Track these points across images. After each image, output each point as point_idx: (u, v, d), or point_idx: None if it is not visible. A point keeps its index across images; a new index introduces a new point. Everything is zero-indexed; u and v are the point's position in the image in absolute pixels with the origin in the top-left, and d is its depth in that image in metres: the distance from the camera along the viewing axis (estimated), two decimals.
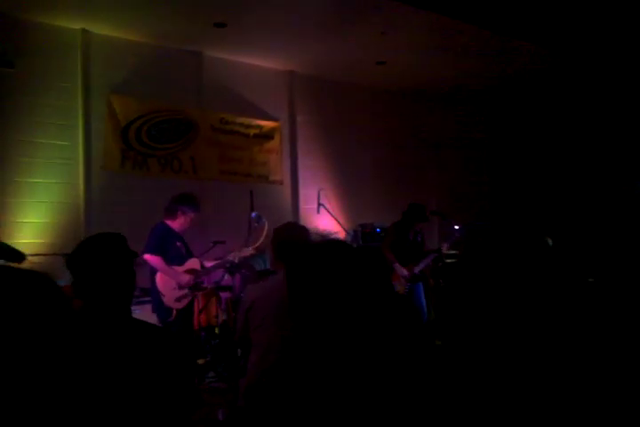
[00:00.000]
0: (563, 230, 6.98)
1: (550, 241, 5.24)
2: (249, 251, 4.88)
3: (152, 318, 4.85)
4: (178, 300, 4.66)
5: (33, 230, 5.89)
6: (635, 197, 7.84)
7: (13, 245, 4.95)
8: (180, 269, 4.77)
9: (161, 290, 4.63)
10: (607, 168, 8.54)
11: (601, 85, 8.33)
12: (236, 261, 4.95)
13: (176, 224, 4.78)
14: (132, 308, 5.37)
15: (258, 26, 6.42)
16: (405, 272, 6.06)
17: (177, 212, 4.77)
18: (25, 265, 5.16)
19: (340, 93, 8.56)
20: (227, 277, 5.37)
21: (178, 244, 4.77)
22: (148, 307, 4.98)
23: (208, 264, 5.05)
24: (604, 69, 7.94)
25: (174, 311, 4.62)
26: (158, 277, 4.64)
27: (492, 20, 6.48)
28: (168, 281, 4.65)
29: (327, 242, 1.77)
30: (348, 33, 6.69)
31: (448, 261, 7.68)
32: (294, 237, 2.91)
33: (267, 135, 7.94)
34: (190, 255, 4.89)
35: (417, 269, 6.11)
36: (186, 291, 4.69)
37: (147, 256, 4.57)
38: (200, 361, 5.10)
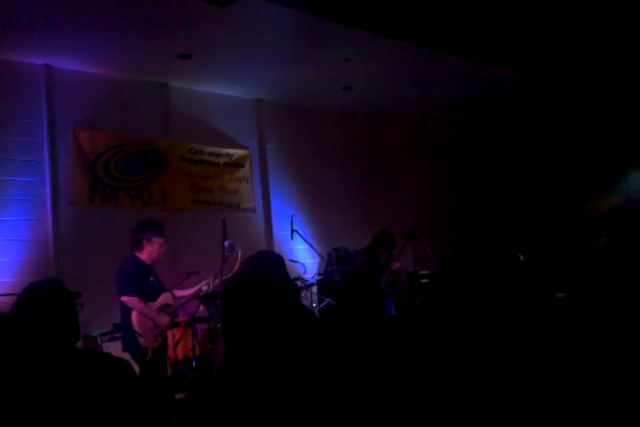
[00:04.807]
0: (534, 246, 7.07)
1: (522, 257, 5.30)
2: (215, 283, 4.83)
3: (125, 356, 4.75)
4: (155, 339, 4.53)
5: (1, 269, 5.76)
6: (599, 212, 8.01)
7: None
8: (154, 305, 4.63)
9: (138, 330, 4.43)
10: (574, 185, 8.72)
11: (568, 105, 8.55)
12: (209, 290, 4.89)
13: (145, 255, 4.62)
14: (106, 344, 5.25)
15: (223, 56, 6.48)
16: None
17: (142, 242, 4.60)
18: None
19: (309, 119, 8.64)
20: (202, 308, 5.30)
21: (151, 279, 4.63)
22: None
23: (179, 293, 4.96)
24: (571, 90, 8.16)
25: (150, 351, 4.48)
26: (134, 316, 4.45)
27: (454, 45, 6.63)
28: (144, 321, 4.47)
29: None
30: (312, 60, 6.78)
31: (423, 281, 7.73)
32: (257, 267, 2.90)
33: (237, 163, 7.95)
34: (163, 289, 4.78)
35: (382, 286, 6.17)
36: (162, 328, 4.58)
37: (125, 298, 4.42)
38: (178, 396, 4.98)
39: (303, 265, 6.92)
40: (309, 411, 1.51)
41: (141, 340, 4.44)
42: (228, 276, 4.93)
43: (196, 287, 4.88)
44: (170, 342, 5.00)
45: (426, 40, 6.41)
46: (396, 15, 5.89)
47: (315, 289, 7.03)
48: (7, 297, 5.02)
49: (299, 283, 6.58)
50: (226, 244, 5.15)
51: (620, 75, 7.73)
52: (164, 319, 4.59)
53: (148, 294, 4.59)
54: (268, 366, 1.60)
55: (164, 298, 4.70)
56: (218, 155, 7.74)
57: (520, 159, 9.23)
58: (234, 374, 1.64)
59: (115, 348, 5.33)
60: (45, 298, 2.07)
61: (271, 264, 3.06)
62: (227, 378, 1.66)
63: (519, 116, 9.10)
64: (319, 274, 7.38)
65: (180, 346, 5.35)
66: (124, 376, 1.97)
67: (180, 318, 5.38)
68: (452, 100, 8.55)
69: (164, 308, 4.68)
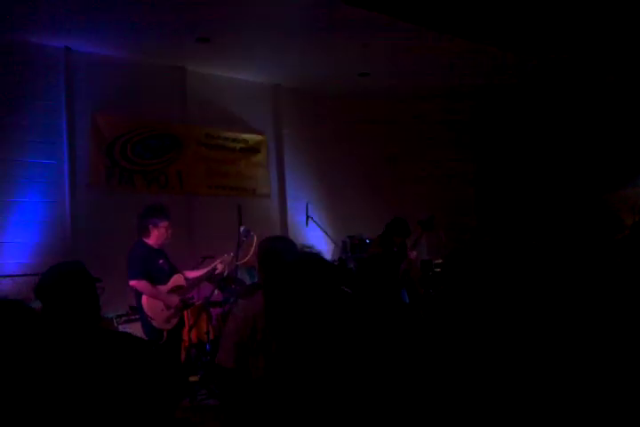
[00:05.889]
0: (548, 236, 7.02)
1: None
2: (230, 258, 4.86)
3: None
4: (167, 321, 4.57)
5: (19, 251, 5.83)
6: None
7: None
8: (165, 288, 4.67)
9: (149, 313, 4.50)
10: (592, 178, 8.61)
11: (583, 96, 8.43)
12: (225, 273, 4.91)
13: (153, 240, 4.63)
14: (122, 326, 5.32)
15: (241, 41, 6.45)
16: None
17: (148, 227, 4.61)
18: (12, 287, 5.11)
19: (326, 105, 8.59)
20: (217, 292, 5.33)
21: (160, 262, 4.65)
22: (138, 325, 4.93)
23: (191, 275, 4.98)
24: (586, 80, 8.04)
25: (165, 333, 4.52)
26: (144, 300, 4.51)
27: (473, 31, 6.55)
28: (155, 303, 4.52)
29: (303, 257, 1.77)
30: (330, 45, 6.72)
31: (437, 270, 7.71)
32: (277, 249, 2.87)
33: (253, 149, 7.94)
34: (174, 271, 4.80)
35: None
36: (174, 310, 4.61)
37: (132, 282, 4.47)
38: (192, 378, 5.04)
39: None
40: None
41: (154, 323, 4.51)
42: (242, 261, 4.96)
43: (211, 266, 4.91)
44: (185, 325, 5.06)
45: (444, 25, 6.34)
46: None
47: None
48: (25, 277, 5.09)
49: None
50: (241, 229, 5.17)
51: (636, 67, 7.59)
52: (174, 300, 4.62)
53: (158, 277, 4.63)
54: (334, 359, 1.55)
55: (175, 280, 4.73)
56: (234, 140, 7.74)
57: (537, 151, 9.13)
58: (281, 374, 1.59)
59: (131, 330, 5.40)
60: (67, 281, 2.07)
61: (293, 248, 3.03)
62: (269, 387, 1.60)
63: (536, 108, 8.98)
64: (333, 261, 7.39)
65: (194, 330, 5.41)
66: (144, 355, 2.00)
67: (195, 302, 5.41)
68: (470, 88, 8.45)
69: (175, 289, 4.72)
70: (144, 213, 4.67)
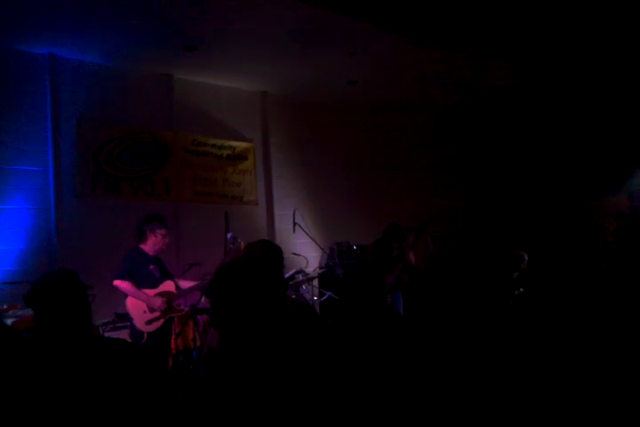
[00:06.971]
0: (538, 245, 7.07)
1: (526, 256, 5.31)
2: None
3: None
4: (148, 323, 4.63)
5: (4, 258, 5.79)
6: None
7: None
8: (152, 292, 4.73)
9: (131, 313, 4.63)
10: (577, 185, 8.70)
11: (569, 105, 8.53)
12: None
13: (149, 246, 4.80)
14: (108, 334, 5.30)
15: (228, 48, 6.47)
16: None
17: (145, 233, 4.79)
18: None
19: (313, 113, 8.62)
20: (204, 299, 5.32)
21: (151, 267, 4.75)
22: (125, 332, 4.93)
23: (185, 285, 5.00)
24: (571, 89, 8.14)
25: (145, 335, 4.58)
26: (128, 300, 4.64)
27: (458, 41, 6.62)
28: (138, 304, 4.64)
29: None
30: (318, 54, 6.77)
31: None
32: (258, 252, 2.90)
33: (240, 156, 7.95)
34: (167, 277, 4.84)
35: (391, 279, 6.17)
36: (157, 314, 4.65)
37: (116, 282, 4.60)
38: None
39: (305, 259, 6.93)
40: (300, 403, 1.53)
41: (135, 323, 4.63)
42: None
43: (206, 278, 4.92)
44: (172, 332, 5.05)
45: (431, 35, 6.40)
46: (402, 10, 5.87)
47: (316, 282, 7.04)
48: (10, 284, 5.06)
49: (300, 276, 6.59)
50: (228, 236, 5.17)
51: (622, 74, 7.70)
52: (157, 301, 4.66)
53: (145, 281, 4.73)
54: (255, 355, 1.63)
55: (166, 286, 4.78)
56: (221, 147, 7.74)
57: (523, 159, 9.22)
58: (219, 360, 1.67)
59: (117, 338, 5.37)
60: (59, 288, 2.07)
61: (268, 252, 3.06)
62: (211, 364, 1.70)
63: (524, 115, 9.08)
64: (320, 268, 7.39)
65: (180, 337, 5.39)
66: (139, 361, 2.00)
67: (183, 308, 5.40)
68: (456, 96, 8.53)
69: (163, 295, 4.75)
70: (143, 220, 4.86)
